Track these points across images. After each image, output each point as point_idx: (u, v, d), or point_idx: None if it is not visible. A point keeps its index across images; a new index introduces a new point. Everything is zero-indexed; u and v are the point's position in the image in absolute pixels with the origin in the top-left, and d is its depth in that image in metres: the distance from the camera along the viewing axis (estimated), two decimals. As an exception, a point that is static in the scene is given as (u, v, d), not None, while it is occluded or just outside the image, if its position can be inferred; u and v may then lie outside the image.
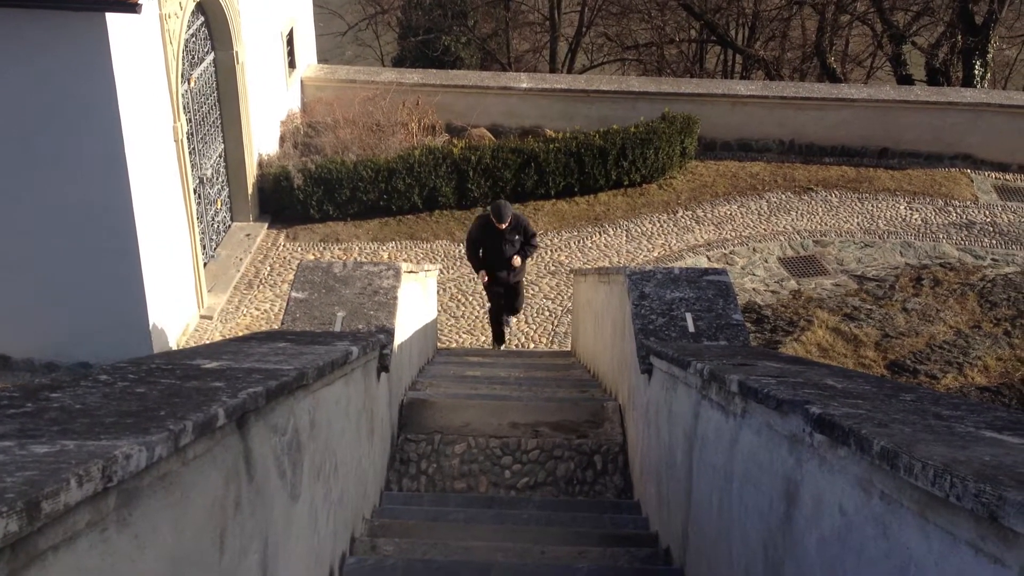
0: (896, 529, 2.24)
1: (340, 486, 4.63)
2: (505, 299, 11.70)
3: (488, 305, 12.18)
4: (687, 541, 4.70)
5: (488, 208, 10.99)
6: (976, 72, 22.12)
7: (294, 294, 6.34)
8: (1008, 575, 1.74)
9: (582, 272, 11.06)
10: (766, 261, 14.64)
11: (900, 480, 2.19)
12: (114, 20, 9.56)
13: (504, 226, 10.51)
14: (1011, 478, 1.80)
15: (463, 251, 14.13)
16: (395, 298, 6.42)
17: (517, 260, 10.88)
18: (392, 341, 6.06)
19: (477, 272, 11.20)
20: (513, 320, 12.63)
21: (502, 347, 12.19)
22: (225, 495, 2.76)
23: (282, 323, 6.18)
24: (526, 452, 6.88)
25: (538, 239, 11.48)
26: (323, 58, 20.01)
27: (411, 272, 7.52)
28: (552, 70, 26.76)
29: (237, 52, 13.28)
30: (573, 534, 5.48)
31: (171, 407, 2.54)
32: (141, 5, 9.38)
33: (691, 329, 6.18)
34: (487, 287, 11.35)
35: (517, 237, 10.77)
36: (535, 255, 11.71)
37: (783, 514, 3.10)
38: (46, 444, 1.96)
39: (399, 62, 24.30)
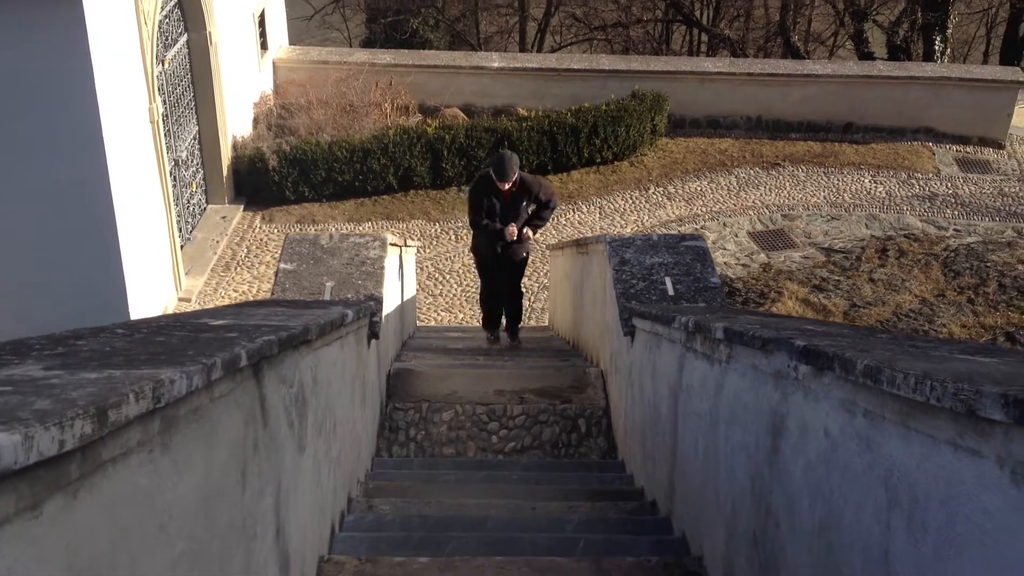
0: (879, 441, 2.42)
1: (339, 445, 4.78)
2: (502, 284, 9.30)
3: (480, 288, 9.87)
4: (673, 491, 4.90)
5: (489, 163, 8.71)
6: (936, 48, 22.47)
7: (282, 265, 6.47)
8: (985, 465, 1.92)
9: (558, 246, 11.22)
10: (736, 235, 14.87)
11: (883, 394, 2.37)
12: (90, 0, 9.59)
13: (507, 186, 8.37)
14: (986, 378, 1.99)
15: (439, 230, 14.26)
16: (382, 268, 6.56)
17: (512, 230, 8.52)
18: (381, 309, 6.21)
19: (479, 228, 8.79)
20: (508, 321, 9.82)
21: (498, 335, 9.75)
22: (245, 436, 2.90)
23: (272, 293, 6.31)
24: (512, 418, 7.05)
25: (555, 203, 8.94)
26: (292, 42, 20.01)
27: (395, 245, 7.66)
28: (521, 51, 26.88)
29: (210, 33, 13.32)
30: (562, 491, 5.67)
31: (196, 349, 2.68)
32: (116, -14, 9.43)
33: (671, 292, 6.36)
34: (477, 261, 9.32)
35: (525, 204, 8.62)
36: (544, 226, 9.17)
37: (769, 447, 3.28)
38: (94, 372, 2.10)
39: (368, 45, 24.34)
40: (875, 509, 2.43)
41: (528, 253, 9.20)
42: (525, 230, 8.72)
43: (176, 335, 3.09)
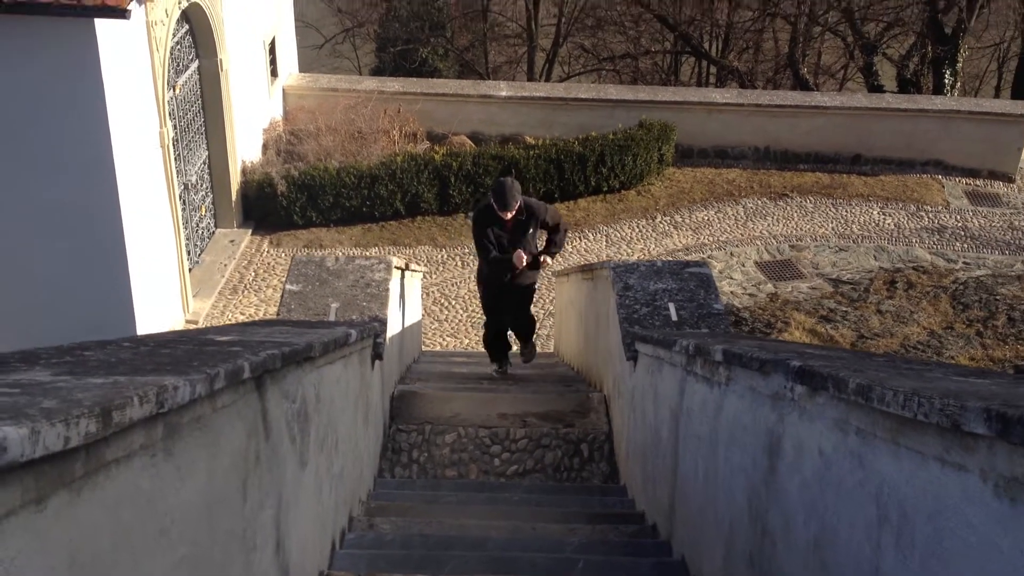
0: (870, 458, 2.46)
1: (340, 463, 4.82)
2: (509, 311, 8.69)
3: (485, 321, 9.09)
4: (673, 514, 4.91)
5: (490, 192, 7.93)
6: (946, 81, 22.57)
7: (288, 286, 6.53)
8: (970, 479, 1.96)
9: (564, 272, 11.26)
10: (743, 265, 14.91)
11: (873, 412, 2.41)
12: (103, 27, 9.72)
13: (510, 215, 7.77)
14: (973, 395, 2.03)
15: (445, 256, 14.31)
16: (387, 290, 6.62)
17: (521, 256, 7.81)
18: (385, 331, 6.26)
19: (503, 264, 7.99)
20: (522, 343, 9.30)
21: (507, 369, 9.15)
22: (247, 447, 2.94)
23: (278, 314, 6.36)
24: (514, 441, 7.07)
25: (565, 225, 8.42)
26: (303, 70, 20.19)
27: (399, 268, 7.71)
28: (530, 81, 27.04)
29: (221, 60, 13.46)
30: (562, 514, 5.69)
31: (200, 360, 2.73)
32: (130, 12, 9.56)
33: (674, 318, 6.40)
34: (482, 292, 8.73)
35: (532, 231, 7.99)
36: (559, 251, 8.37)
37: (767, 467, 3.31)
38: (100, 378, 2.15)
39: (377, 73, 24.51)
40: (866, 525, 2.47)
41: (535, 281, 8.66)
42: (542, 257, 8.08)
43: (181, 348, 3.15)
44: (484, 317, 9.12)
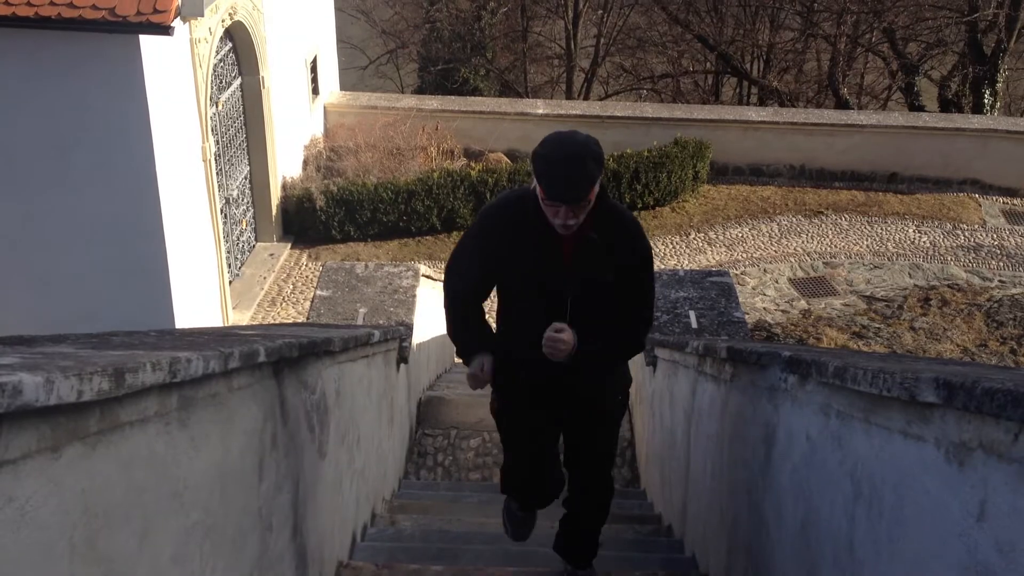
0: (848, 438, 2.58)
1: (362, 459, 4.98)
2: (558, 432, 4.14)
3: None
4: (686, 513, 5.02)
5: (532, 171, 3.39)
6: (986, 101, 22.47)
7: (319, 292, 6.73)
8: (927, 449, 2.07)
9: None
10: (776, 282, 14.95)
11: (850, 394, 2.53)
12: (147, 43, 10.02)
13: (573, 220, 3.43)
14: (931, 371, 2.15)
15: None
16: (414, 296, 6.80)
17: (567, 340, 3.52)
18: (411, 335, 6.43)
19: (464, 355, 4.12)
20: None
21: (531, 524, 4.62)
22: (263, 429, 3.11)
23: (307, 318, 6.56)
24: (538, 447, 7.19)
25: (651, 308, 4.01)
26: (346, 89, 20.53)
27: (428, 277, 7.88)
28: (568, 100, 27.23)
29: (263, 77, 13.78)
30: (581, 514, 5.79)
31: (219, 345, 2.90)
32: (174, 28, 9.85)
33: (694, 325, 6.52)
34: (496, 405, 4.21)
35: (600, 261, 3.61)
36: (635, 354, 4.05)
37: (763, 457, 3.43)
38: (120, 351, 2.33)
39: (419, 93, 24.83)
40: (843, 502, 2.58)
41: (625, 396, 4.06)
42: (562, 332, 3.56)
43: (204, 337, 3.33)
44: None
